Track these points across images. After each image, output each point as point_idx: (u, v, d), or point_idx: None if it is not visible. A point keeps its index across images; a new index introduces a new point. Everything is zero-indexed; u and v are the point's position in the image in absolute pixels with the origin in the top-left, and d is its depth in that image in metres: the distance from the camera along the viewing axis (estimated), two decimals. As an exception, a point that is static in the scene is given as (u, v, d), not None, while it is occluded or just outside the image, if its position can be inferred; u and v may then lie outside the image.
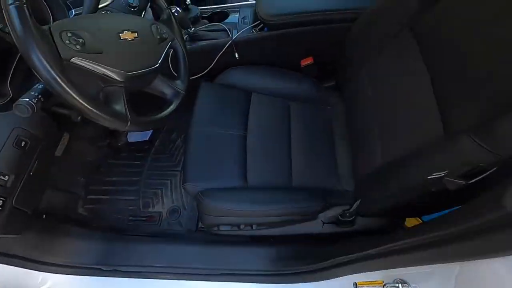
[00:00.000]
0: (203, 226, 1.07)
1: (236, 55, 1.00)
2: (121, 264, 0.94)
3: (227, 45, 0.99)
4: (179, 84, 0.76)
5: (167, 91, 0.73)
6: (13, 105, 0.52)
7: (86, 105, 0.51)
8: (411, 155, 0.60)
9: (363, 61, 0.85)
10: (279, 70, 1.06)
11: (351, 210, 0.69)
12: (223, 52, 1.01)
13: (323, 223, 0.84)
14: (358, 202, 0.69)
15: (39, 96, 0.54)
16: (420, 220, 0.77)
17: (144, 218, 1.14)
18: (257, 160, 0.91)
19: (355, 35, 0.86)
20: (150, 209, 1.16)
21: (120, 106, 0.58)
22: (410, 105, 0.67)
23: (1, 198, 0.59)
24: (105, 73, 0.57)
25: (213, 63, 1.04)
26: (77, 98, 0.50)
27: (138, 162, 1.27)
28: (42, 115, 0.68)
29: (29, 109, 0.52)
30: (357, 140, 0.89)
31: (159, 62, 0.69)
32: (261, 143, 0.95)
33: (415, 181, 0.55)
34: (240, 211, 0.80)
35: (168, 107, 0.71)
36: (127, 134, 1.39)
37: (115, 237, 1.00)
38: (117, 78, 0.58)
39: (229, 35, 1.01)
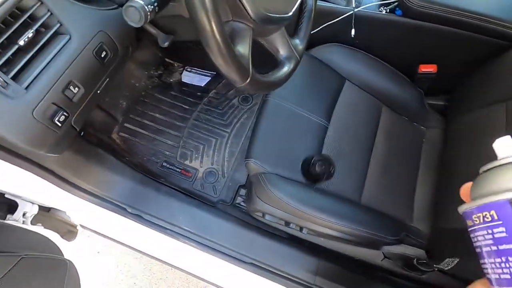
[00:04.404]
0: (239, 203, 0.98)
1: (353, 31, 0.82)
2: (148, 213, 0.86)
3: (345, 15, 0.81)
4: (297, 45, 0.60)
5: (283, 50, 0.58)
6: (124, 6, 0.38)
7: (218, 35, 0.37)
8: None
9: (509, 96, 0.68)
10: (386, 66, 0.89)
11: (445, 268, 0.57)
12: (336, 22, 0.83)
13: (384, 256, 0.74)
14: (455, 261, 0.57)
15: (155, 4, 0.40)
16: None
17: (178, 170, 1.04)
18: (332, 160, 0.78)
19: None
20: (187, 162, 1.06)
21: (244, 50, 0.44)
22: None
23: (64, 114, 0.47)
24: (243, 1, 0.42)
25: (318, 29, 0.87)
26: (213, 22, 0.35)
27: (187, 107, 1.15)
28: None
29: (143, 17, 0.38)
30: (448, 180, 0.75)
31: (292, 11, 0.53)
32: (340, 141, 0.82)
33: None
34: (302, 212, 0.69)
35: (281, 70, 0.56)
36: (182, 72, 1.25)
37: (147, 181, 0.90)
38: (251, 13, 0.43)
39: (351, 4, 0.82)
